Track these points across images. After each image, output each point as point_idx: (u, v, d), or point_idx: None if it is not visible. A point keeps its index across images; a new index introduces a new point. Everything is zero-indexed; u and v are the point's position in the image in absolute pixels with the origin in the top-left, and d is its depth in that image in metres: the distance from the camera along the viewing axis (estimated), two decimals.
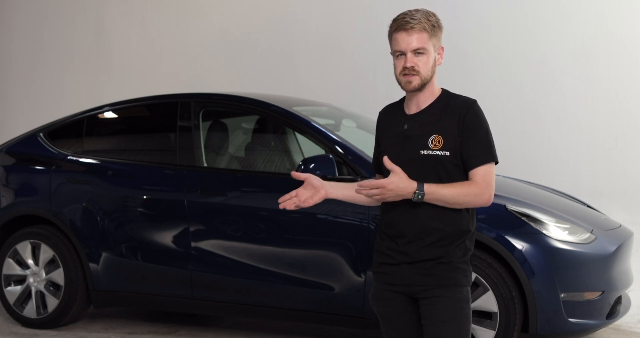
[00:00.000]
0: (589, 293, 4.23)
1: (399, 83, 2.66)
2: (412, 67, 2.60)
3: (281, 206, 2.70)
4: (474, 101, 2.67)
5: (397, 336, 2.75)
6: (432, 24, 2.62)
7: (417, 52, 2.60)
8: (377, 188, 2.52)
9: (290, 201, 2.70)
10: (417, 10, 2.64)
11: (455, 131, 2.60)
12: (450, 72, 6.68)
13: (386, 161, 2.56)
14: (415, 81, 2.62)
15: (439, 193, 2.55)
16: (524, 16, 6.92)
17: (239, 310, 4.76)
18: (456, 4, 7.10)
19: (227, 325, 5.36)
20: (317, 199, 2.71)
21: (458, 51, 6.94)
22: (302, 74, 7.86)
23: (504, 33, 6.98)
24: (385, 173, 2.75)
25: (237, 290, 4.69)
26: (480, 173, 2.60)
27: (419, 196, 2.53)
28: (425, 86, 2.65)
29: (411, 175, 2.60)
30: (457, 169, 2.62)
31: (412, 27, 2.59)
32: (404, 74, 2.62)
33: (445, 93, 2.72)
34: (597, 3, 6.66)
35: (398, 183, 2.52)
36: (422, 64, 2.61)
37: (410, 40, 2.59)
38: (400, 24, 2.61)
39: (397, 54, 2.63)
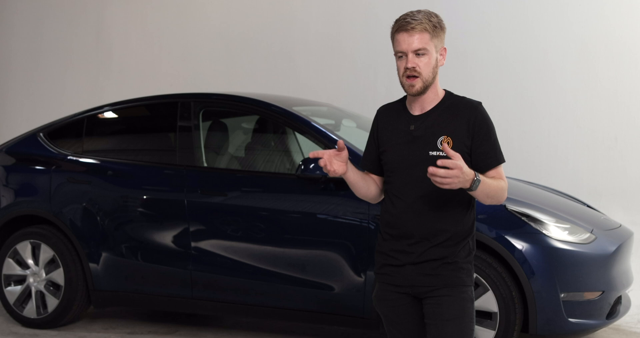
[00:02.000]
0: (589, 293, 4.23)
1: (402, 86, 2.66)
2: (414, 67, 2.60)
3: (312, 155, 2.63)
4: (480, 103, 2.68)
5: (400, 336, 2.76)
6: (433, 25, 2.61)
7: (418, 53, 2.60)
8: (453, 171, 2.39)
9: (322, 160, 2.61)
10: (419, 11, 2.64)
11: (464, 134, 2.61)
12: (451, 72, 6.67)
13: (445, 146, 2.45)
14: (418, 84, 2.62)
15: (487, 182, 2.53)
16: (524, 16, 6.92)
17: (239, 310, 4.76)
18: (456, 3, 7.09)
19: (227, 325, 5.36)
20: (340, 171, 2.65)
21: (458, 50, 6.93)
22: (302, 74, 7.86)
23: (503, 32, 6.98)
24: (386, 173, 2.74)
25: (237, 290, 4.69)
26: (497, 173, 2.65)
27: (477, 183, 2.48)
28: (428, 88, 2.64)
29: (419, 176, 2.60)
30: None
31: (412, 28, 2.59)
32: (406, 75, 2.62)
33: (449, 94, 2.72)
34: (597, 3, 6.66)
35: (466, 168, 2.44)
36: (424, 65, 2.61)
37: (411, 41, 2.59)
38: (401, 25, 2.61)
39: (399, 55, 2.64)
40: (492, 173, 2.64)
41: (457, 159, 2.41)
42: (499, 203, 2.66)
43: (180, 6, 8.57)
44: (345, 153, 2.64)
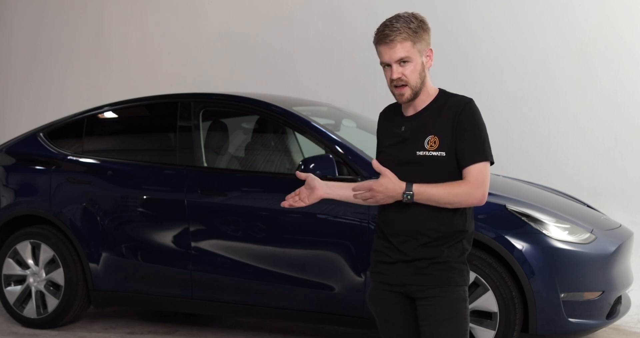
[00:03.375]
0: (589, 293, 4.23)
1: (393, 95, 2.67)
2: (399, 78, 2.60)
3: (283, 204, 2.72)
4: (470, 100, 2.65)
5: (393, 336, 2.75)
6: (414, 30, 2.58)
7: (402, 61, 2.59)
8: (365, 194, 2.56)
9: (290, 200, 2.71)
10: (397, 18, 2.60)
11: (450, 130, 2.59)
12: (451, 72, 6.70)
13: (375, 164, 2.58)
14: (407, 93, 2.62)
15: (429, 192, 2.54)
16: (524, 15, 6.92)
17: (239, 310, 4.76)
18: (456, 3, 7.10)
19: (227, 325, 5.36)
20: (312, 199, 2.71)
21: (458, 50, 6.94)
22: (302, 74, 7.86)
23: (503, 32, 6.98)
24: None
25: (237, 290, 4.69)
26: (473, 171, 2.57)
27: (408, 196, 2.54)
28: (418, 93, 2.64)
29: (409, 177, 2.60)
30: (454, 170, 2.62)
31: (392, 40, 2.57)
32: (394, 85, 2.62)
33: (442, 93, 2.71)
34: (597, 3, 6.66)
35: (386, 184, 2.54)
36: (410, 73, 2.60)
37: (393, 52, 2.58)
38: (379, 38, 2.60)
39: (384, 65, 2.64)
40: (467, 170, 2.57)
41: (378, 179, 2.54)
42: (471, 205, 2.60)
43: (180, 6, 8.57)
44: (308, 180, 2.70)
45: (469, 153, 2.57)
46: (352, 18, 7.65)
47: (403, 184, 2.54)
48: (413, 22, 2.59)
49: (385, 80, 2.68)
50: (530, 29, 6.88)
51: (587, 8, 6.69)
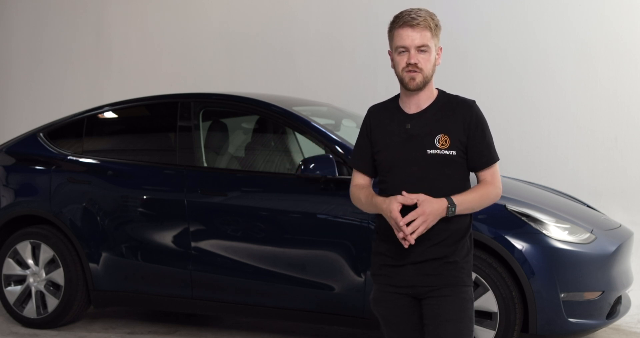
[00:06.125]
0: (589, 293, 4.23)
1: (401, 80, 2.66)
2: (416, 63, 2.61)
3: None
4: (474, 102, 2.70)
5: (398, 337, 2.75)
6: (435, 23, 2.65)
7: (420, 49, 2.62)
8: (417, 220, 2.50)
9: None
10: (420, 9, 2.66)
11: (461, 132, 2.63)
12: (451, 72, 6.68)
13: (405, 195, 2.53)
14: (418, 78, 2.63)
15: (466, 201, 2.58)
16: (524, 16, 6.92)
17: (239, 310, 4.76)
18: (456, 3, 7.10)
19: (227, 325, 5.36)
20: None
21: (458, 50, 6.93)
22: (302, 74, 7.86)
23: (503, 32, 6.98)
24: (382, 173, 2.74)
25: (237, 290, 4.69)
26: (491, 172, 2.68)
27: (453, 209, 2.55)
28: (426, 84, 2.66)
29: (416, 175, 2.60)
30: (461, 168, 2.64)
31: (417, 24, 2.61)
32: (408, 70, 2.62)
33: (442, 93, 2.74)
34: (597, 3, 6.66)
35: (431, 206, 2.52)
36: (425, 62, 2.63)
37: (415, 36, 2.61)
38: (406, 20, 2.62)
39: (400, 50, 2.64)
40: (486, 172, 2.68)
41: (421, 204, 2.50)
42: (493, 202, 2.70)
43: (180, 6, 8.57)
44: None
45: (485, 157, 2.66)
46: (352, 18, 7.65)
47: (444, 200, 2.54)
48: (435, 17, 2.67)
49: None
50: (530, 29, 6.88)
51: (587, 8, 6.69)
